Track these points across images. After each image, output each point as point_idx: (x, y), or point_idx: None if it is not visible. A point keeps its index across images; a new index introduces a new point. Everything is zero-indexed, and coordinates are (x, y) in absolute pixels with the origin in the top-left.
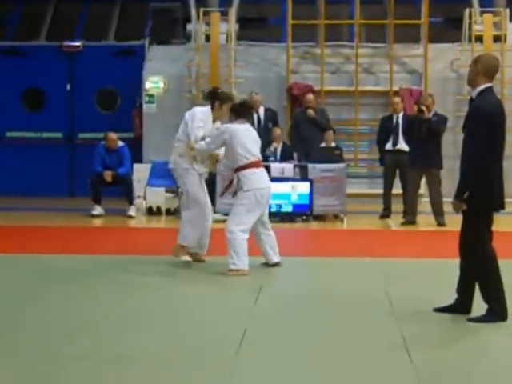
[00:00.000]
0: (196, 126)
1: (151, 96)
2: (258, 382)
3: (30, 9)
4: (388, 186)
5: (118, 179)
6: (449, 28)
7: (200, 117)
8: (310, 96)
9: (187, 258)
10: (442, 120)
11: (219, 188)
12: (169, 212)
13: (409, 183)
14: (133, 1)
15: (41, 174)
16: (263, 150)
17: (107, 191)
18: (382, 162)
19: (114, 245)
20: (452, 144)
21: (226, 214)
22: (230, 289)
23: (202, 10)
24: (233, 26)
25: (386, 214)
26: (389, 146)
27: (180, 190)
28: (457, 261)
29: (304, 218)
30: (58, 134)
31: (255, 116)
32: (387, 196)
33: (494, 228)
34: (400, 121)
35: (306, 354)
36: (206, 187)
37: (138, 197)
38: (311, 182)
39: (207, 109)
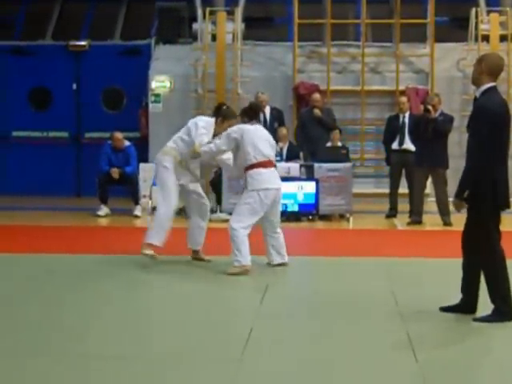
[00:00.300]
0: (200, 133)
1: (157, 95)
2: (264, 382)
3: (36, 8)
4: (394, 186)
5: (124, 178)
6: (455, 27)
7: (203, 125)
8: (317, 95)
9: (151, 252)
10: (449, 119)
11: (225, 188)
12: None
13: (415, 183)
14: (139, 0)
15: (47, 173)
16: None
17: (113, 191)
18: (388, 162)
19: (119, 244)
20: (458, 144)
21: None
22: (235, 288)
23: (208, 9)
24: (239, 25)
25: (392, 213)
26: (395, 146)
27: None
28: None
29: (310, 217)
30: (65, 134)
31: (261, 115)
32: (393, 196)
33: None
34: (406, 120)
35: (311, 353)
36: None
37: (144, 196)
38: (317, 181)
39: (212, 120)
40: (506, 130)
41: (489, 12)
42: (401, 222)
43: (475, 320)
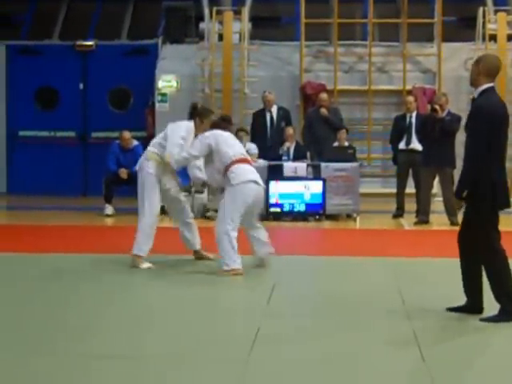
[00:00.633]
0: (173, 143)
1: (164, 95)
2: (271, 381)
3: (43, 8)
4: (401, 186)
5: (132, 178)
6: (462, 27)
7: (183, 135)
8: (324, 95)
9: (148, 264)
10: (456, 119)
11: None
12: None
13: (422, 182)
14: (146, 0)
15: (54, 172)
16: (276, 149)
17: (118, 190)
18: (395, 162)
19: (126, 244)
20: (463, 144)
21: None
22: (242, 288)
23: (215, 8)
24: (246, 24)
25: (399, 213)
26: (402, 146)
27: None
28: None
29: (317, 217)
30: (71, 133)
31: (268, 115)
32: (400, 195)
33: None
34: (413, 120)
35: (318, 352)
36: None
37: None
38: (324, 181)
39: (191, 125)
40: (503, 130)
41: (496, 11)
42: (408, 221)
43: (482, 320)
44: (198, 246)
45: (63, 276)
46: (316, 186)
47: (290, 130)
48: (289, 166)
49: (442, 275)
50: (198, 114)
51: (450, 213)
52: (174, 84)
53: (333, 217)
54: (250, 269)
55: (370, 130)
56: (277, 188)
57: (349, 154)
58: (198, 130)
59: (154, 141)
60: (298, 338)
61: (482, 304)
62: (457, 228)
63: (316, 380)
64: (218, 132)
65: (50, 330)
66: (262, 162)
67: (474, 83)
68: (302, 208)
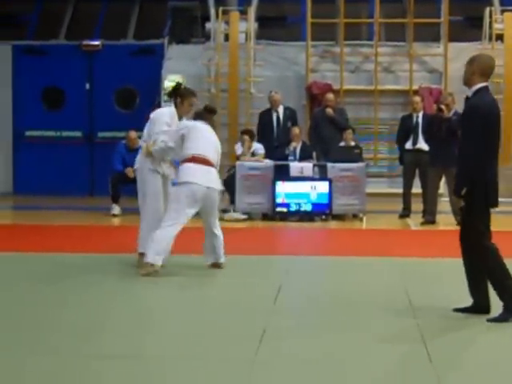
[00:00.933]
0: (157, 131)
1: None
2: (278, 381)
3: (50, 8)
4: (408, 186)
5: None
6: (469, 27)
7: (165, 120)
8: (331, 95)
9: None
10: None
11: (239, 187)
12: None
13: (428, 182)
14: (152, 0)
15: (60, 172)
16: (282, 149)
17: (125, 190)
18: (402, 162)
19: (132, 244)
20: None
21: (246, 213)
22: (248, 288)
23: (221, 8)
24: (252, 24)
25: (406, 213)
26: (408, 146)
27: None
28: None
29: (323, 217)
30: (78, 133)
31: (274, 115)
32: (407, 195)
33: (493, 228)
34: (420, 120)
35: (325, 352)
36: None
37: None
38: (330, 181)
39: (172, 109)
40: (496, 129)
41: (503, 11)
42: (414, 221)
43: (489, 321)
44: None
45: (69, 276)
46: (322, 186)
47: (296, 130)
48: (295, 166)
49: (449, 275)
50: (180, 95)
51: (457, 213)
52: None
53: (339, 217)
54: (255, 269)
55: (377, 130)
56: (283, 188)
57: (355, 153)
58: (181, 111)
59: (144, 135)
60: (304, 338)
61: (489, 304)
62: None
63: (322, 379)
64: (196, 125)
65: (54, 330)
66: (269, 162)
67: (467, 83)
68: (309, 208)
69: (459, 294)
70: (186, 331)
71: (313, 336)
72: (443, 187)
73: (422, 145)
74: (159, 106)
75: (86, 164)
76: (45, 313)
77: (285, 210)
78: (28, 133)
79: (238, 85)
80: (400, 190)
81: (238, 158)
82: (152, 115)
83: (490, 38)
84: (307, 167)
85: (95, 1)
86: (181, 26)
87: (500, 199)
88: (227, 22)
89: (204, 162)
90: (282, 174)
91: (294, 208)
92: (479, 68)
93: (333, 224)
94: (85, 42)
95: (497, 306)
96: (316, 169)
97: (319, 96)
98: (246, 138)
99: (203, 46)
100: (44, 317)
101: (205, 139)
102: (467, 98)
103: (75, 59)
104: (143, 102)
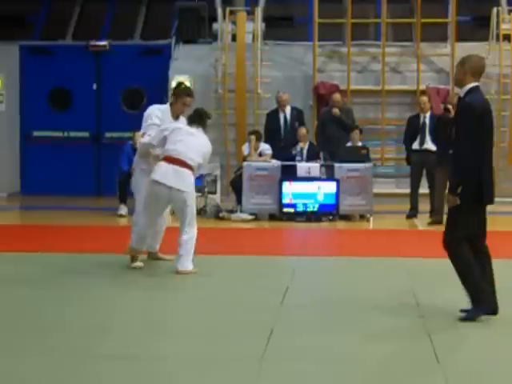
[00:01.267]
0: (147, 124)
1: None
2: (286, 381)
3: (57, 8)
4: (415, 186)
5: None
6: (476, 27)
7: (156, 114)
8: (337, 96)
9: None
10: None
11: (245, 188)
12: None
13: (436, 183)
14: (159, 0)
15: (67, 173)
16: (289, 149)
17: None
18: (409, 162)
19: None
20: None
21: (253, 214)
22: (256, 289)
23: (228, 9)
24: (259, 25)
25: (413, 213)
26: (416, 146)
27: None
28: None
29: (330, 217)
30: (85, 134)
31: (281, 115)
32: (414, 196)
33: (491, 228)
34: (427, 120)
35: (332, 352)
36: None
37: None
38: (338, 181)
39: (166, 106)
40: (490, 128)
41: (510, 11)
42: (421, 222)
43: (461, 320)
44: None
45: (75, 276)
46: (329, 187)
47: (303, 131)
48: (302, 167)
49: (456, 275)
50: (175, 94)
51: None
52: (188, 84)
53: (346, 217)
54: (262, 269)
55: (384, 131)
56: (290, 188)
57: (362, 154)
58: (173, 109)
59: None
60: (312, 337)
61: (496, 304)
62: None
63: (330, 378)
64: (177, 125)
65: (65, 331)
66: (276, 163)
67: (459, 83)
68: (316, 208)
69: (466, 295)
70: (193, 331)
71: (320, 335)
72: None
73: (430, 145)
74: None
75: (92, 164)
76: (51, 313)
77: (292, 210)
78: (35, 133)
79: (245, 85)
80: (407, 191)
81: (244, 158)
82: (145, 112)
83: (498, 38)
84: (314, 167)
85: (102, 1)
86: (188, 26)
87: (508, 199)
88: (234, 23)
89: (178, 162)
90: (289, 174)
91: (300, 208)
92: (470, 68)
93: (340, 224)
94: (92, 43)
95: (504, 305)
96: (323, 169)
97: (326, 96)
98: (253, 138)
99: (210, 47)
100: (51, 317)
101: (186, 142)
102: (459, 98)
103: (82, 59)
104: (150, 103)
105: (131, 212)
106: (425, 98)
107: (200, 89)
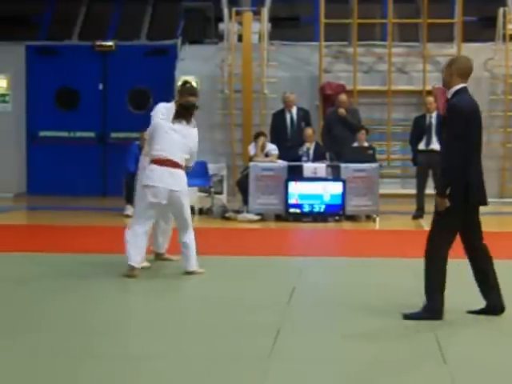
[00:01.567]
0: (154, 120)
1: None
2: (292, 381)
3: (63, 8)
4: (421, 186)
5: None
6: (483, 27)
7: (161, 110)
8: (343, 97)
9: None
10: None
11: (252, 188)
12: (201, 211)
13: None
14: (165, 0)
15: (73, 173)
16: (296, 149)
17: None
18: (415, 162)
19: None
20: (485, 144)
21: (259, 214)
22: (262, 290)
23: (234, 9)
24: (265, 25)
25: (419, 214)
26: (422, 146)
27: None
28: None
29: (336, 218)
30: (91, 134)
31: (288, 116)
32: (420, 196)
33: (497, 229)
34: (433, 120)
35: (339, 353)
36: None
37: None
38: (344, 182)
39: (171, 104)
40: (479, 129)
41: None
42: (428, 222)
43: (405, 318)
44: (163, 250)
45: (81, 276)
46: (336, 187)
47: (309, 131)
48: (308, 167)
49: (462, 276)
50: (179, 91)
51: None
52: (194, 85)
53: (352, 218)
54: (269, 269)
55: (390, 131)
56: (296, 189)
57: (368, 154)
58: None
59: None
60: (318, 338)
61: (502, 303)
62: None
63: (337, 378)
64: (158, 122)
65: (65, 331)
66: (282, 163)
67: (447, 85)
68: (322, 209)
69: (472, 295)
70: (200, 330)
71: (327, 336)
72: None
73: (436, 145)
74: None
75: (99, 164)
76: (56, 313)
77: (298, 210)
78: (41, 133)
79: (251, 85)
80: (413, 191)
81: (251, 158)
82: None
83: (504, 39)
84: (320, 168)
85: (108, 1)
86: (194, 26)
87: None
88: (240, 23)
89: (169, 163)
90: (296, 174)
91: (307, 209)
92: (457, 69)
93: (346, 225)
94: (98, 43)
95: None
96: (329, 169)
97: (332, 96)
98: (262, 139)
99: (216, 47)
100: (51, 317)
101: (169, 139)
102: (447, 100)
103: (88, 60)
104: (156, 103)
105: None
106: (431, 99)
107: (206, 89)
